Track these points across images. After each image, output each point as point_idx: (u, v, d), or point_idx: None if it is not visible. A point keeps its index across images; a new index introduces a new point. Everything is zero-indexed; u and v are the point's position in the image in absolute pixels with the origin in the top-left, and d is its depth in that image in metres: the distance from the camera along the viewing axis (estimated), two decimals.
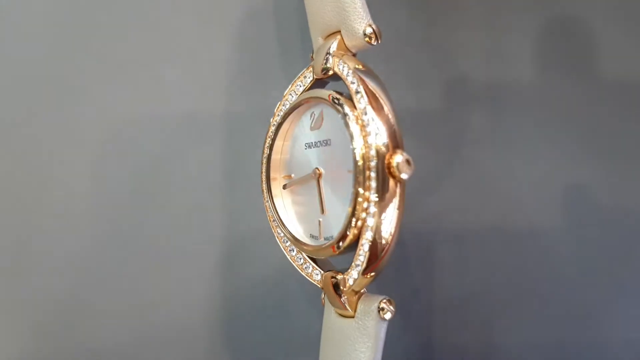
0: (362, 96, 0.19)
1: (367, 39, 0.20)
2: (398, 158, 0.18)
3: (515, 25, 0.28)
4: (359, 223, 0.19)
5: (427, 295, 0.28)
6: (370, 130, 0.19)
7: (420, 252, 0.28)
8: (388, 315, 0.19)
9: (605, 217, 0.28)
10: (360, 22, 0.20)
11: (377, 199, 0.18)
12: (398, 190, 0.19)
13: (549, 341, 0.28)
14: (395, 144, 0.19)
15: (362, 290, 0.20)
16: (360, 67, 0.20)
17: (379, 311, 0.19)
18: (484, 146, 0.28)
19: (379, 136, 0.18)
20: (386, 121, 0.19)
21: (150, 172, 0.27)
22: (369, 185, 0.18)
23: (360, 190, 0.18)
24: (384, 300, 0.19)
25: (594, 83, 0.28)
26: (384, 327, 0.19)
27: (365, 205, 0.18)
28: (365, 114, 0.19)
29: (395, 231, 0.19)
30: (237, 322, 0.27)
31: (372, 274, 0.19)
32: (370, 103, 0.19)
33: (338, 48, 0.21)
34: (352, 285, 0.20)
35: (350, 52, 0.21)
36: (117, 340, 0.27)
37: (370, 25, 0.20)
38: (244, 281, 0.27)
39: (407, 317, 0.28)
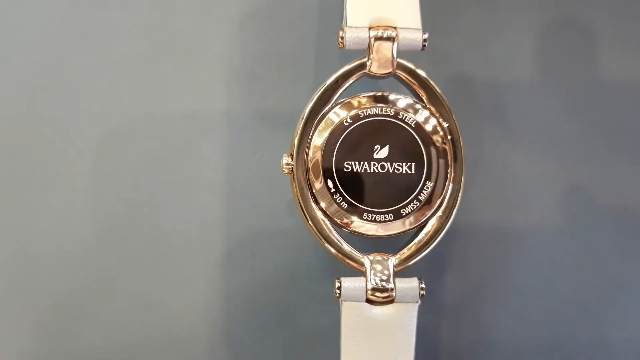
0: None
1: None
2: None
3: (515, 25, 0.28)
4: None
5: (428, 294, 0.28)
6: None
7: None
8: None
9: (605, 216, 0.28)
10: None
11: None
12: None
13: (548, 340, 0.28)
14: None
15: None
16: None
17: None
18: (483, 145, 0.28)
19: None
20: None
21: (150, 171, 0.27)
22: None
23: None
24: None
25: (594, 83, 0.28)
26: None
27: None
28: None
29: None
30: (237, 322, 0.27)
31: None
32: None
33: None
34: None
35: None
36: (117, 340, 0.27)
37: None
38: (244, 281, 0.27)
39: None
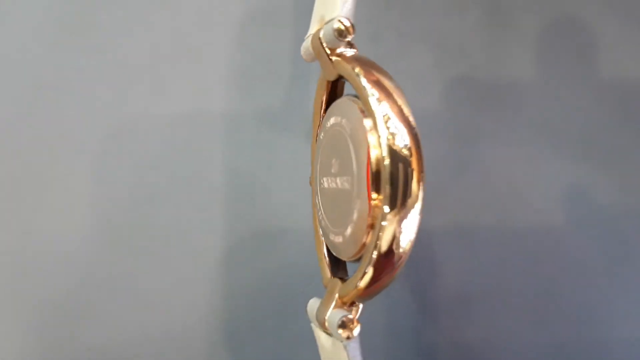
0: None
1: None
2: None
3: (515, 25, 0.28)
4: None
5: (428, 294, 0.28)
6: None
7: (422, 251, 0.28)
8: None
9: (605, 217, 0.28)
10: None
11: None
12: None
13: (549, 341, 0.28)
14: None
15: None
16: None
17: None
18: (484, 146, 0.28)
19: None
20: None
21: (150, 172, 0.27)
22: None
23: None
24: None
25: (595, 83, 0.28)
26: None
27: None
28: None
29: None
30: (237, 322, 0.27)
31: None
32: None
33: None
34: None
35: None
36: (117, 340, 0.27)
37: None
38: (244, 281, 0.27)
39: (408, 316, 0.28)
